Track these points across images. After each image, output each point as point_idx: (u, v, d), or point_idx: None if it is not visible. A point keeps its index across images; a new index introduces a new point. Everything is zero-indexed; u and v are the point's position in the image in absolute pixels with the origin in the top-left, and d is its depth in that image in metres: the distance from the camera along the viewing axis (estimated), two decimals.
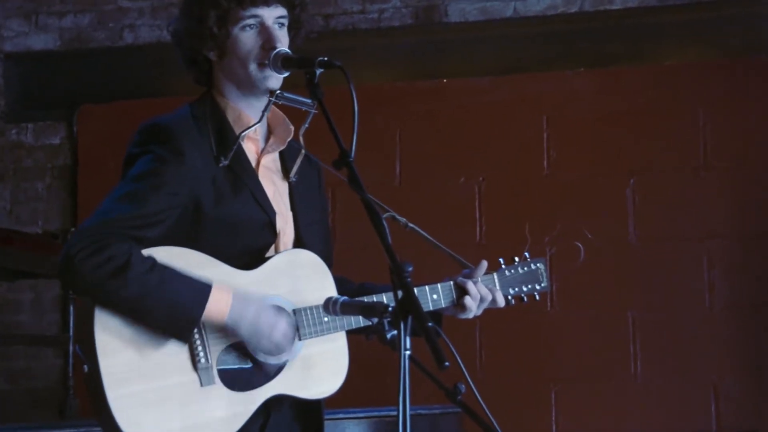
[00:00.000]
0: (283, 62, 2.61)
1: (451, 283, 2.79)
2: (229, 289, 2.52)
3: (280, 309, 2.59)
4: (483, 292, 2.78)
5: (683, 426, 5.34)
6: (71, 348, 5.47)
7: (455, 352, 2.20)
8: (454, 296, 2.79)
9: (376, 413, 4.61)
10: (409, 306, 2.16)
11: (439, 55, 5.87)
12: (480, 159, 5.67)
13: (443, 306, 2.79)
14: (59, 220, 6.13)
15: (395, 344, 2.16)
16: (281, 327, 2.56)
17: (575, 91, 5.65)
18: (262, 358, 2.58)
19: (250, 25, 2.64)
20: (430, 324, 2.12)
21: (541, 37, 5.78)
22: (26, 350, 6.07)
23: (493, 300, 2.82)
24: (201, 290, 2.49)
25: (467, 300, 2.76)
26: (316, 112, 2.63)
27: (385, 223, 2.31)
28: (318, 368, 2.64)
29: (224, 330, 2.54)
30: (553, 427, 5.49)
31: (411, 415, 2.10)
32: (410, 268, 2.23)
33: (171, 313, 2.46)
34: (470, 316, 2.80)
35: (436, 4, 5.88)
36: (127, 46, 6.14)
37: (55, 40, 6.23)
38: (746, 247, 5.42)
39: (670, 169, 5.52)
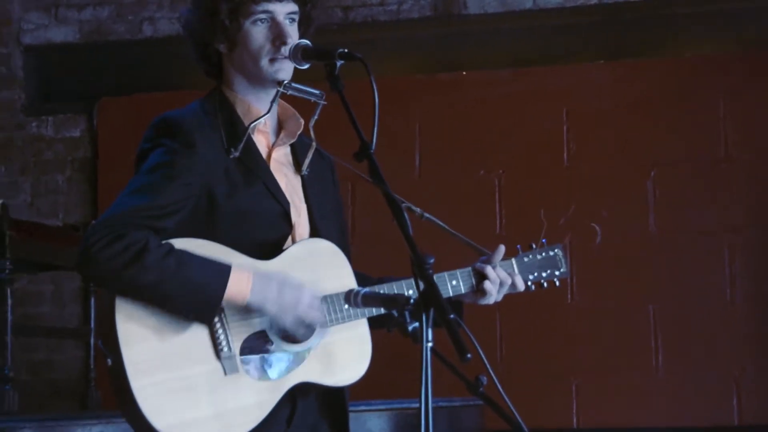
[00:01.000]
0: (303, 54, 2.60)
1: (470, 269, 2.79)
2: (249, 270, 2.53)
3: (299, 283, 2.58)
4: (502, 276, 2.78)
5: (704, 419, 5.33)
6: (92, 340, 5.50)
7: (477, 344, 2.20)
8: (474, 282, 2.78)
9: (397, 405, 4.61)
10: (431, 298, 2.16)
11: (459, 47, 5.86)
12: (499, 151, 5.67)
13: (463, 292, 2.78)
14: (80, 212, 6.15)
15: (417, 336, 2.16)
16: (305, 300, 2.55)
17: (595, 83, 5.63)
18: (285, 346, 2.58)
19: (261, 20, 2.65)
20: (452, 316, 2.12)
21: (560, 29, 5.76)
22: (47, 342, 6.10)
23: (513, 284, 2.81)
24: (221, 271, 2.49)
25: (487, 284, 2.76)
26: (326, 103, 2.63)
27: (406, 215, 2.31)
28: (341, 355, 2.64)
29: (247, 313, 2.54)
30: (574, 420, 5.48)
31: (432, 408, 2.10)
32: (432, 260, 2.23)
33: (192, 296, 2.47)
34: (491, 301, 2.79)
35: None
36: (146, 39, 6.16)
37: (75, 32, 6.25)
38: (767, 239, 5.39)
39: (691, 160, 5.50)
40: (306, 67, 2.65)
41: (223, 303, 2.50)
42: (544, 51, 5.75)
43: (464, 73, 5.80)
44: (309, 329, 2.58)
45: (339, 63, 2.50)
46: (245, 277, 2.51)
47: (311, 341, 2.61)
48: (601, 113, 5.60)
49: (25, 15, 6.28)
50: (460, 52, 5.85)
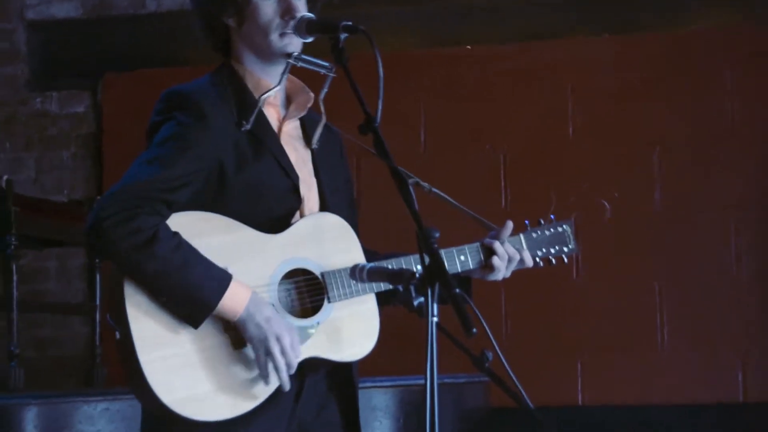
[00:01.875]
0: (307, 27, 2.59)
1: (478, 244, 2.78)
2: (248, 287, 2.52)
3: (291, 326, 2.56)
4: (510, 252, 2.77)
5: (710, 396, 5.33)
6: (98, 316, 5.50)
7: (482, 319, 2.19)
8: (482, 257, 2.77)
9: (402, 382, 4.61)
10: (436, 272, 2.15)
11: (463, 22, 5.83)
12: (504, 126, 5.65)
13: (471, 268, 2.77)
14: (84, 188, 6.15)
15: (422, 311, 2.15)
16: (287, 341, 2.53)
17: (599, 57, 5.60)
18: (292, 320, 2.58)
19: None
20: (457, 290, 2.11)
21: (565, 3, 5.73)
22: (53, 318, 6.11)
23: (521, 260, 2.80)
24: (222, 279, 2.49)
25: (495, 260, 2.75)
26: (335, 75, 2.62)
27: (411, 189, 2.30)
28: (349, 330, 2.63)
29: (234, 324, 2.53)
30: (579, 397, 5.48)
31: (438, 384, 2.09)
32: (437, 234, 2.21)
33: (187, 297, 2.47)
34: (499, 277, 2.78)
35: None
36: (149, 14, 6.13)
37: (78, 8, 6.22)
38: None
39: (697, 136, 5.47)
40: (310, 40, 2.63)
41: (215, 311, 2.50)
42: (548, 25, 5.72)
43: (468, 47, 5.77)
44: (266, 371, 2.54)
45: (343, 36, 2.49)
46: (244, 293, 2.50)
47: (320, 315, 2.61)
48: (606, 88, 5.57)
49: None
50: (464, 27, 5.82)
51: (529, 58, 5.67)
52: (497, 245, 2.75)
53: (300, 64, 2.64)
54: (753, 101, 5.43)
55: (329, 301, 2.61)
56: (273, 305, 2.56)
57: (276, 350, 2.49)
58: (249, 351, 2.54)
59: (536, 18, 5.74)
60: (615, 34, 5.63)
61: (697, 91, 5.49)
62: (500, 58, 5.68)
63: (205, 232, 2.53)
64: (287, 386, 2.51)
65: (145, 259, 2.44)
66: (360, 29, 2.47)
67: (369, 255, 2.72)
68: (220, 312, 2.49)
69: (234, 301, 2.49)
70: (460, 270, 2.75)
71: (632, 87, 5.54)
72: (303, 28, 2.59)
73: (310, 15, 2.61)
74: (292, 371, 2.52)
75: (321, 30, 2.56)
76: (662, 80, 5.52)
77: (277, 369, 2.50)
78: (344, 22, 2.48)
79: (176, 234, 2.49)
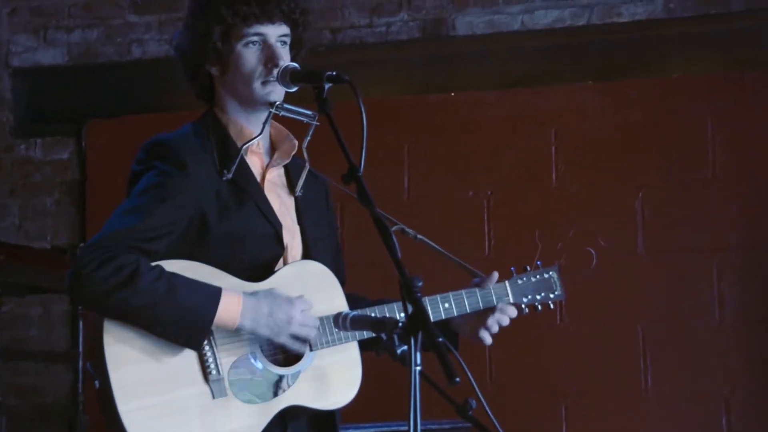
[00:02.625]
0: (291, 77, 2.61)
1: (463, 292, 2.79)
2: (239, 293, 2.52)
3: (288, 298, 2.57)
4: (497, 318, 2.80)
5: None
6: (81, 363, 5.47)
7: (466, 368, 2.20)
8: (468, 307, 2.78)
9: (386, 428, 4.59)
10: (419, 321, 2.16)
11: (447, 69, 5.87)
12: (488, 172, 5.67)
13: (455, 314, 2.78)
14: (68, 235, 6.13)
15: (405, 359, 2.16)
16: (297, 315, 2.55)
17: (583, 104, 5.64)
18: (274, 369, 2.58)
19: (253, 42, 2.66)
20: (440, 339, 2.12)
21: (548, 50, 5.77)
22: (36, 366, 6.07)
23: (503, 311, 2.82)
24: (211, 295, 2.49)
25: (489, 319, 2.77)
26: (318, 124, 2.64)
27: (394, 237, 2.31)
28: (331, 378, 2.64)
29: (237, 335, 2.53)
30: None
31: (422, 431, 2.09)
32: (420, 283, 2.23)
33: (182, 321, 2.46)
34: (487, 335, 2.80)
35: (443, 18, 5.89)
36: (135, 61, 6.15)
37: (64, 55, 6.25)
38: (756, 259, 5.40)
39: (679, 181, 5.51)
40: (294, 89, 2.65)
41: (213, 327, 2.50)
42: (532, 72, 5.76)
43: (453, 94, 5.81)
44: (305, 343, 2.58)
45: (327, 86, 2.51)
46: (235, 301, 2.51)
47: (301, 364, 2.61)
48: (589, 134, 5.61)
49: (14, 38, 6.28)
50: (449, 74, 5.86)
51: (513, 104, 5.71)
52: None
53: (282, 113, 2.66)
54: (734, 147, 5.47)
55: (311, 350, 2.62)
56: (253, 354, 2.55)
57: (296, 330, 2.54)
58: (230, 400, 2.53)
59: (519, 65, 5.78)
60: (599, 81, 5.67)
61: (679, 138, 5.52)
62: (484, 104, 5.72)
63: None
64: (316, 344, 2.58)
65: (131, 294, 2.44)
66: (344, 79, 2.50)
67: (353, 299, 2.73)
68: (220, 324, 2.49)
69: (228, 311, 2.50)
70: (444, 317, 2.76)
71: (616, 133, 5.58)
72: (287, 77, 2.62)
73: (294, 65, 2.64)
74: (315, 332, 2.58)
75: (305, 79, 2.59)
76: (645, 127, 5.56)
77: (307, 340, 2.56)
78: (328, 72, 2.51)
79: (156, 266, 2.49)
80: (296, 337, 2.56)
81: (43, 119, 6.23)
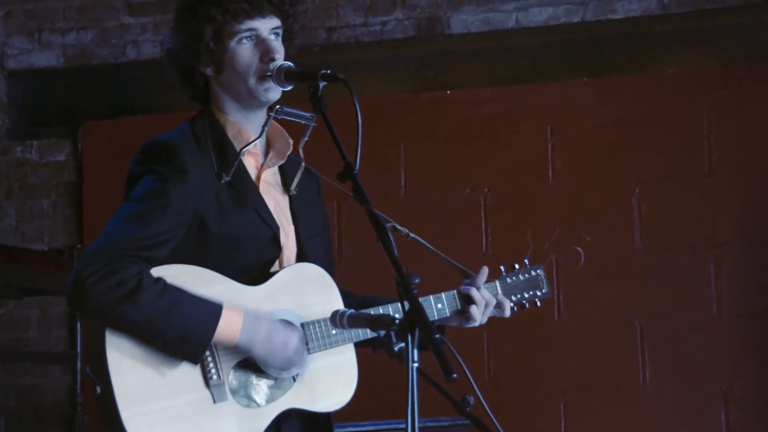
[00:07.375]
0: (286, 76, 2.61)
1: (455, 291, 2.80)
2: (239, 310, 2.52)
3: (288, 324, 2.59)
4: (487, 297, 2.78)
5: None
6: (79, 365, 5.47)
7: (463, 364, 2.20)
8: (459, 305, 2.79)
9: (384, 426, 4.59)
10: (416, 318, 2.16)
11: (442, 67, 5.87)
12: (485, 170, 5.67)
13: (448, 314, 2.79)
14: (65, 237, 6.13)
15: (403, 357, 2.16)
16: (293, 343, 2.56)
17: (579, 100, 5.65)
18: (273, 373, 2.58)
19: (246, 38, 2.65)
20: (437, 336, 2.12)
21: (543, 47, 5.78)
22: (34, 367, 6.06)
23: (500, 306, 2.82)
24: (212, 312, 2.49)
25: (472, 309, 2.77)
26: (316, 125, 2.64)
27: (390, 235, 2.31)
28: (328, 381, 2.64)
29: (236, 349, 2.54)
30: None
31: (419, 428, 2.10)
32: (417, 281, 2.23)
33: (182, 337, 2.47)
34: (476, 324, 2.80)
35: (438, 16, 5.89)
36: (130, 62, 6.15)
37: (59, 57, 6.24)
38: (753, 254, 5.40)
39: (676, 177, 5.51)
40: (289, 88, 2.65)
41: (213, 342, 2.50)
42: (527, 70, 5.77)
43: (448, 92, 5.81)
44: (292, 365, 2.57)
45: (322, 84, 2.51)
46: (235, 319, 2.51)
47: (298, 368, 2.61)
48: (585, 131, 5.61)
49: (8, 40, 6.28)
50: (444, 72, 5.86)
51: (509, 102, 5.71)
52: (474, 291, 2.77)
53: (281, 116, 2.66)
54: (730, 143, 5.47)
55: (308, 352, 2.62)
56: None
57: (291, 356, 2.55)
58: (230, 405, 2.53)
59: (515, 63, 5.78)
60: (594, 78, 5.68)
61: (675, 133, 5.53)
62: (480, 102, 5.72)
63: (188, 285, 2.53)
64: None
65: (132, 309, 2.43)
66: (339, 77, 2.49)
67: (344, 295, 2.73)
68: (218, 341, 2.50)
69: (228, 329, 2.50)
70: (437, 317, 2.77)
71: (612, 130, 5.58)
72: (282, 76, 2.61)
73: (289, 63, 2.63)
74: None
75: (300, 78, 2.58)
76: (641, 123, 5.56)
77: (294, 370, 2.56)
78: (323, 71, 2.50)
79: (159, 279, 2.48)
80: (289, 364, 2.55)
81: (39, 121, 6.23)
